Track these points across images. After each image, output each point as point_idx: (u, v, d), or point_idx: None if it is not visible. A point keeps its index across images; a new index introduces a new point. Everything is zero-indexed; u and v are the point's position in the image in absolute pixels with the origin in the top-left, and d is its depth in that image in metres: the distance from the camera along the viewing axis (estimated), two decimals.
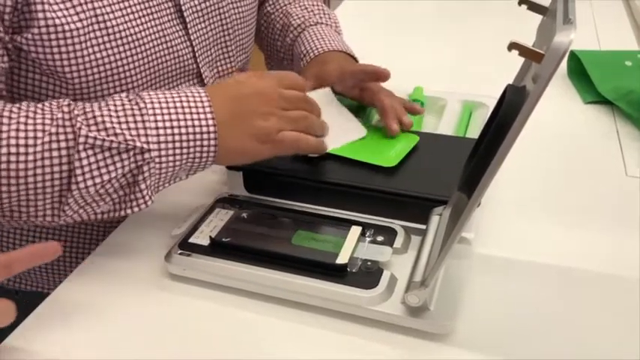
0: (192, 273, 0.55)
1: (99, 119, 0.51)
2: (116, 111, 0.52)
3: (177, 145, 0.53)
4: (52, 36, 0.57)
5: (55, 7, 0.56)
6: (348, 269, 0.52)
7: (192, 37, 0.69)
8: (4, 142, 0.49)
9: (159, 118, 0.53)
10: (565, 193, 0.68)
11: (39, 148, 0.49)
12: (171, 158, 0.53)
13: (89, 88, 0.61)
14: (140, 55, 0.63)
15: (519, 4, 0.50)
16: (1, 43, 0.55)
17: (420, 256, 0.53)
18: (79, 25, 0.58)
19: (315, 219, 0.59)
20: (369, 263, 0.53)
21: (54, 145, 0.50)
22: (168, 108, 0.54)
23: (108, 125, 0.51)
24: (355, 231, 0.57)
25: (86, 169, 0.50)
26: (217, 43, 0.73)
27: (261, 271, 0.53)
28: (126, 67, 0.62)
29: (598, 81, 0.89)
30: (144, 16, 0.63)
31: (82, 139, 0.50)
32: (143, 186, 0.53)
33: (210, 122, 0.55)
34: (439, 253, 0.49)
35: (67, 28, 0.57)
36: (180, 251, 0.56)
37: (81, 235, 0.71)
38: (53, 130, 0.50)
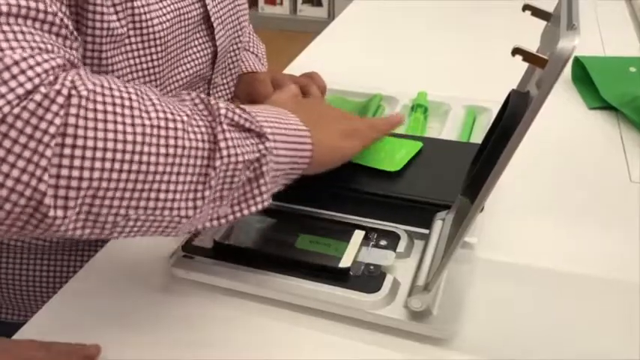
0: (195, 276, 0.55)
1: (230, 105, 0.49)
2: (229, 103, 0.50)
3: (284, 139, 0.51)
4: (98, 34, 0.55)
5: (104, 9, 0.54)
6: (351, 273, 0.53)
7: (217, 43, 0.69)
8: (154, 115, 0.44)
9: (263, 114, 0.51)
10: (568, 198, 0.68)
11: (185, 118, 0.45)
12: (282, 152, 0.51)
13: None
14: (170, 62, 0.63)
15: (523, 9, 0.50)
16: (68, 30, 0.48)
17: (422, 260, 0.53)
18: (121, 30, 0.56)
19: (319, 223, 0.59)
20: (372, 267, 0.53)
21: (193, 122, 0.46)
22: (261, 109, 0.53)
23: (241, 109, 0.49)
24: (358, 235, 0.57)
25: (230, 142, 0.46)
26: (232, 49, 0.74)
27: (264, 275, 0.53)
28: (158, 75, 0.62)
29: (602, 87, 0.89)
30: (177, 22, 0.62)
31: (223, 111, 0.47)
32: (267, 178, 0.49)
33: (299, 121, 0.54)
34: (442, 257, 0.49)
35: (113, 32, 0.55)
36: (183, 254, 0.56)
37: (64, 258, 0.69)
38: (191, 106, 0.47)
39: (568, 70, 0.95)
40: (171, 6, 0.62)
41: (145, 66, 0.61)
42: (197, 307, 0.54)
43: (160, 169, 0.43)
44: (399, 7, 1.31)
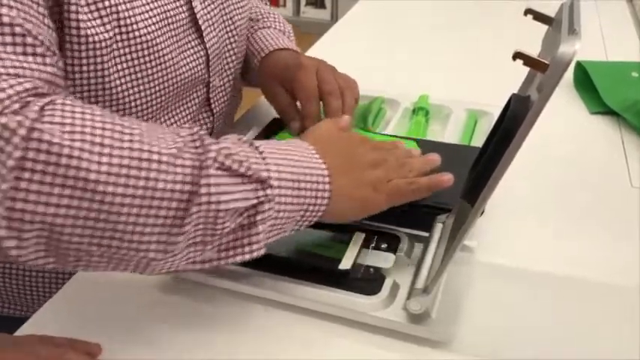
0: (195, 276, 0.55)
1: (227, 146, 0.46)
2: (235, 143, 0.48)
3: (296, 186, 0.48)
4: (83, 46, 0.55)
5: (85, 17, 0.54)
6: (351, 275, 0.53)
7: (207, 46, 0.68)
8: (126, 153, 0.42)
9: (277, 157, 0.48)
10: (569, 202, 0.68)
11: (164, 158, 0.42)
12: (289, 200, 0.48)
13: (115, 97, 0.60)
14: (161, 66, 0.63)
15: (525, 14, 0.50)
16: (43, 46, 0.47)
17: (422, 263, 0.53)
18: (105, 35, 0.56)
19: (319, 225, 0.59)
20: (371, 270, 0.53)
21: (179, 162, 0.43)
22: (281, 152, 0.50)
23: (238, 152, 0.46)
24: (359, 237, 0.57)
25: (213, 189, 0.43)
26: (226, 51, 0.73)
27: (265, 276, 0.53)
28: (149, 78, 0.62)
29: (604, 92, 0.89)
30: (163, 26, 0.62)
31: (212, 154, 0.44)
32: (260, 228, 0.46)
33: (322, 165, 0.51)
34: (442, 260, 0.49)
35: (97, 38, 0.55)
36: None
37: None
38: (181, 144, 0.44)
39: (569, 74, 0.95)
40: (157, 9, 0.61)
41: (134, 71, 0.60)
42: (197, 307, 0.54)
43: (125, 210, 0.41)
44: (401, 10, 1.31)
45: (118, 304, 0.54)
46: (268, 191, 0.46)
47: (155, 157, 0.42)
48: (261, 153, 0.48)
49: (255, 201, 0.45)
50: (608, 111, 0.87)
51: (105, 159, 0.41)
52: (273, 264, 0.54)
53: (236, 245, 0.46)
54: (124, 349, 0.50)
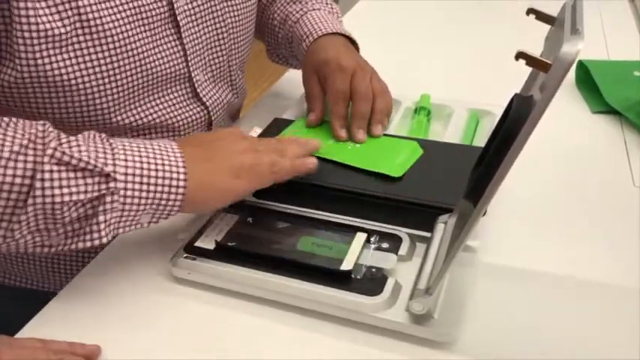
0: (196, 276, 0.55)
1: (72, 142, 0.49)
2: (88, 139, 0.51)
3: (145, 180, 0.51)
4: (36, 41, 0.56)
5: (41, 11, 0.55)
6: (353, 276, 0.52)
7: (185, 41, 0.68)
8: None
9: (128, 153, 0.51)
10: (571, 202, 0.68)
11: (5, 155, 0.47)
12: (137, 194, 0.51)
13: (79, 91, 0.61)
14: (130, 60, 0.63)
15: (527, 13, 0.50)
16: None
17: (424, 263, 0.53)
18: (62, 30, 0.57)
19: (321, 225, 0.59)
20: (373, 270, 0.53)
21: (20, 157, 0.47)
22: (138, 148, 0.52)
23: (81, 148, 0.49)
24: (360, 237, 0.57)
25: (47, 183, 0.47)
26: (211, 47, 0.73)
27: (266, 276, 0.53)
28: (116, 71, 0.62)
29: (606, 91, 0.89)
30: (134, 20, 0.62)
31: (49, 151, 0.48)
32: (102, 218, 0.49)
33: (180, 158, 0.53)
34: (444, 260, 0.49)
35: (53, 32, 0.56)
36: (185, 255, 0.56)
37: None
38: (24, 142, 0.48)
39: (571, 73, 0.95)
40: (128, 4, 0.61)
41: (96, 64, 0.60)
42: (198, 308, 0.54)
43: None
44: (402, 9, 1.31)
45: (117, 305, 0.54)
46: (111, 184, 0.49)
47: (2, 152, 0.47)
48: (113, 149, 0.51)
49: (97, 193, 0.49)
50: (610, 110, 0.86)
51: None
52: (273, 264, 0.54)
53: (79, 233, 0.50)
54: (123, 349, 0.50)
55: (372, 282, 0.52)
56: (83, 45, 0.59)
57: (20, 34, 0.55)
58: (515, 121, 0.43)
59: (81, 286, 0.57)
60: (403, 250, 0.56)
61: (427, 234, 0.57)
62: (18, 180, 0.47)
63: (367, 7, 1.34)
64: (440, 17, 1.29)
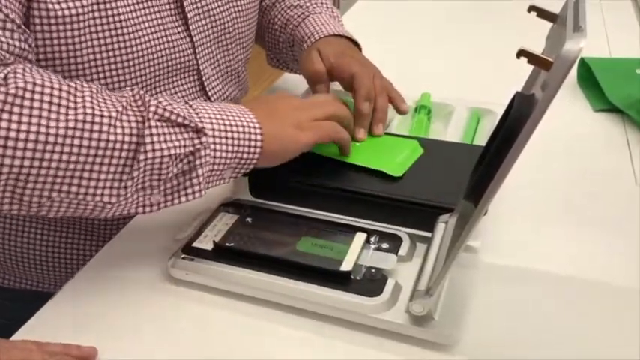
0: (194, 277, 0.55)
1: (165, 101, 0.52)
2: (173, 100, 0.53)
3: (229, 135, 0.54)
4: (52, 20, 0.56)
5: None
6: (352, 276, 0.52)
7: (193, 34, 0.69)
8: (80, 111, 0.48)
9: (209, 111, 0.54)
10: (573, 201, 0.68)
11: (113, 114, 0.49)
12: (223, 147, 0.54)
13: (92, 75, 0.61)
14: (139, 47, 0.63)
15: (529, 11, 0.50)
16: (14, 23, 0.52)
17: (425, 264, 0.52)
18: (80, 10, 0.57)
19: (320, 225, 0.59)
20: (373, 270, 0.53)
21: (124, 117, 0.49)
22: (214, 108, 0.56)
23: (174, 106, 0.52)
24: (360, 237, 0.56)
25: (155, 138, 0.50)
26: (218, 41, 0.73)
27: (265, 277, 0.53)
28: (124, 57, 0.63)
29: (608, 89, 0.88)
30: (144, 7, 0.63)
31: (152, 108, 0.50)
32: (200, 172, 0.52)
33: (251, 114, 0.57)
34: (445, 261, 0.49)
35: (66, 13, 0.57)
36: (183, 255, 0.55)
37: (87, 233, 0.71)
38: (124, 103, 0.50)
39: (573, 71, 0.94)
40: None
41: (110, 49, 0.61)
42: (196, 309, 0.53)
43: (82, 159, 0.48)
44: (403, 8, 1.31)
45: (114, 306, 0.54)
46: (203, 139, 0.52)
47: (106, 113, 0.48)
48: (194, 109, 0.54)
49: (192, 148, 0.51)
50: (612, 108, 0.86)
51: (62, 117, 0.47)
52: (272, 265, 0.53)
53: (179, 189, 0.53)
54: (122, 350, 0.49)
55: (371, 283, 0.52)
56: (99, 28, 0.60)
57: (37, 12, 0.56)
58: (517, 120, 0.43)
59: (78, 288, 0.56)
60: (403, 250, 0.55)
61: (428, 234, 0.57)
62: (127, 138, 0.49)
63: (367, 6, 1.34)
64: (440, 15, 1.29)
